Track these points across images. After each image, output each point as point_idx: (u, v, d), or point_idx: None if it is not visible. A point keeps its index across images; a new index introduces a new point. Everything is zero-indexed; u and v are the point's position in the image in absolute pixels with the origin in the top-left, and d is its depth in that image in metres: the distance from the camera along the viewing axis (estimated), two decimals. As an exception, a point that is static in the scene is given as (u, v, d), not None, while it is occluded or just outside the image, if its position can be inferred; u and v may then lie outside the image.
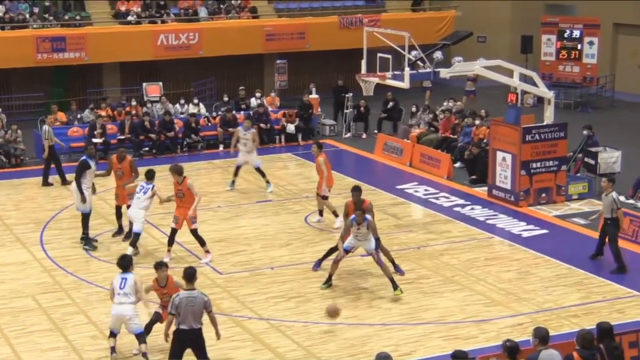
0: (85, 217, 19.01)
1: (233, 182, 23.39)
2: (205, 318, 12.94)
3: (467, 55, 29.16)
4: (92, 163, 19.01)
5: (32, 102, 31.83)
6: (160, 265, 14.05)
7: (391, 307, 15.91)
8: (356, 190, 17.27)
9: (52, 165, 24.16)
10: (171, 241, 18.14)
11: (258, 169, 23.17)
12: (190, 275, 12.92)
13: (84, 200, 18.72)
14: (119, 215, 19.60)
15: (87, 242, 19.01)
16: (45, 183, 24.08)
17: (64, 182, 23.91)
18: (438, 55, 21.62)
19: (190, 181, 17.96)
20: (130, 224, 18.54)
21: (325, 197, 20.18)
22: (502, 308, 15.85)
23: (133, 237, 18.20)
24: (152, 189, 18.12)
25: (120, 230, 19.61)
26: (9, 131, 26.42)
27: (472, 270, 17.66)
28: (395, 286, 16.29)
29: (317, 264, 17.65)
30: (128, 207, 18.85)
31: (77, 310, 15.89)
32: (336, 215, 20.07)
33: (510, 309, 15.82)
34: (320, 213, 20.62)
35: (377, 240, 16.54)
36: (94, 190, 19.39)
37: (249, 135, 22.91)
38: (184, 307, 12.63)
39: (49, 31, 31.96)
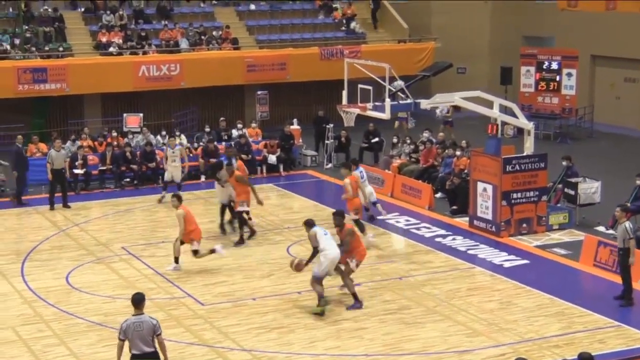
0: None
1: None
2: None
3: (447, 86, 29.48)
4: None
5: (12, 133, 31.69)
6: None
7: (374, 338, 15.89)
8: (336, 214, 17.59)
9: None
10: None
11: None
12: (137, 300, 12.64)
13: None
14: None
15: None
16: (52, 208, 24.53)
17: (65, 205, 24.65)
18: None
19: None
20: None
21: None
22: (484, 338, 15.86)
23: None
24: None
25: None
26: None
27: (454, 300, 17.67)
28: (320, 303, 16.72)
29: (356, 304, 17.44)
30: (240, 213, 21.10)
31: (57, 342, 15.77)
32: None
33: (492, 339, 15.84)
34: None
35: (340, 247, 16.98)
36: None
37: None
38: (131, 332, 12.40)
39: (30, 62, 31.99)
